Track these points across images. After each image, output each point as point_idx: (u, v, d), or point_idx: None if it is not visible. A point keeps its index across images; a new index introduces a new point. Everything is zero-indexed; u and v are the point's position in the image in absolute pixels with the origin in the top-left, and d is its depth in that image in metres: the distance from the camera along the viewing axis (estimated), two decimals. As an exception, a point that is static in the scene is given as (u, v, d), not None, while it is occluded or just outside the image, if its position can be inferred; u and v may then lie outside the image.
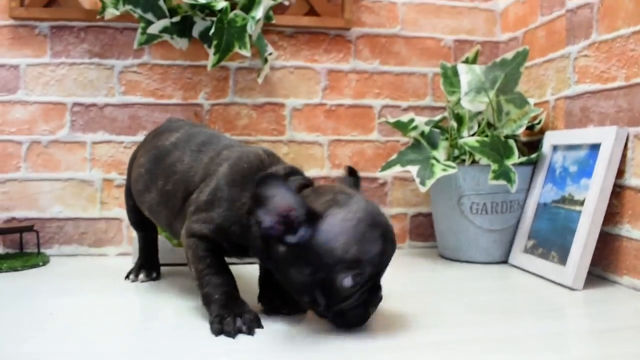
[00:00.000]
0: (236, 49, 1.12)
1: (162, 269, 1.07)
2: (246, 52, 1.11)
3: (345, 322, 0.72)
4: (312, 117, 1.34)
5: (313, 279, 0.68)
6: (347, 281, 0.67)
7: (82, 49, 1.25)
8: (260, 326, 0.73)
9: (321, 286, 0.68)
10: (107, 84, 1.26)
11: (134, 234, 1.14)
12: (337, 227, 0.67)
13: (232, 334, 0.70)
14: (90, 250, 1.26)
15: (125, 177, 1.11)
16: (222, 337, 0.71)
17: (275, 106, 1.33)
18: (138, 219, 1.02)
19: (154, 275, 1.02)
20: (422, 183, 1.10)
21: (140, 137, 1.27)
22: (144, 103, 1.28)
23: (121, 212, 1.27)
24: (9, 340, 0.70)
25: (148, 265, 1.03)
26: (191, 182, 0.81)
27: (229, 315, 0.71)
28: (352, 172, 0.84)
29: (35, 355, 0.65)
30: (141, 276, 1.00)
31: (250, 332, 0.70)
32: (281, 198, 0.67)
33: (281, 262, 0.70)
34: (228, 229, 0.75)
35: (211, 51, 1.12)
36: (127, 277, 1.02)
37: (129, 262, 1.18)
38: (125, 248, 1.27)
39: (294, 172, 0.78)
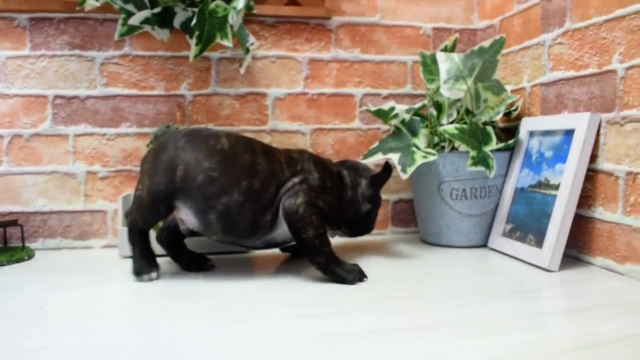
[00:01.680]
0: (218, 40, 1.12)
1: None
2: (228, 43, 1.12)
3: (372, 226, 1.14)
4: (294, 106, 1.36)
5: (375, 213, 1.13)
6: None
7: (62, 41, 1.25)
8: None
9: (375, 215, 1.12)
10: (88, 76, 1.26)
11: (119, 226, 1.15)
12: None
13: (363, 279, 0.96)
14: (75, 243, 1.27)
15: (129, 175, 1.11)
16: (213, 316, 0.73)
17: (258, 96, 1.34)
18: (156, 221, 0.98)
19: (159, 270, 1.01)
20: (403, 170, 1.12)
21: (124, 129, 1.27)
22: (126, 95, 1.28)
23: (105, 205, 1.27)
24: None
25: (153, 262, 1.00)
26: (281, 177, 0.98)
27: (353, 268, 0.97)
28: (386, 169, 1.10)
29: (26, 349, 0.66)
30: (154, 274, 0.98)
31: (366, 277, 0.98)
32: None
33: (366, 214, 1.10)
34: (332, 209, 1.02)
35: (193, 42, 1.13)
36: (138, 276, 0.97)
37: (115, 254, 1.19)
38: (111, 240, 1.28)
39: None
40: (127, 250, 1.14)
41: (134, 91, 1.28)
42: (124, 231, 1.14)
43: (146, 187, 0.95)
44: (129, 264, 1.09)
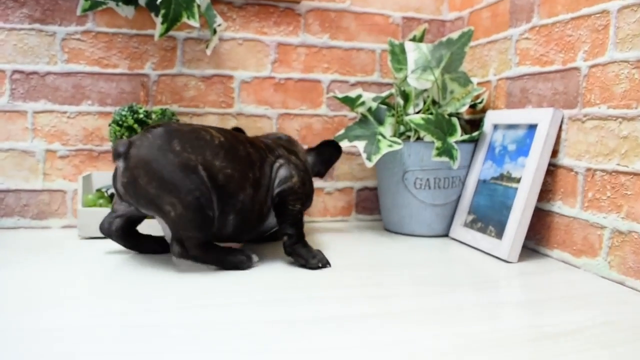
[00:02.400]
0: (184, 19, 1.10)
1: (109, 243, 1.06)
2: (194, 23, 1.09)
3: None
4: (260, 90, 1.34)
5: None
6: None
7: (21, 14, 1.20)
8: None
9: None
10: (48, 51, 1.22)
11: (78, 206, 1.13)
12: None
13: (326, 265, 0.96)
14: (33, 223, 1.23)
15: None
16: (177, 300, 0.72)
17: (224, 78, 1.32)
18: (213, 226, 0.92)
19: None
20: (369, 158, 1.13)
21: (85, 107, 1.24)
22: (88, 72, 1.24)
23: (65, 184, 1.24)
24: (-50, 316, 0.69)
25: (238, 251, 0.95)
26: (270, 161, 0.99)
27: (317, 254, 0.97)
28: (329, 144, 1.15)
29: (-21, 331, 0.65)
30: (254, 257, 0.95)
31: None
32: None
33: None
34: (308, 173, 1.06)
35: (158, 20, 1.10)
36: (245, 267, 0.94)
37: (74, 235, 1.16)
38: (70, 220, 1.25)
39: None
40: (87, 231, 1.11)
41: (96, 68, 1.25)
42: (83, 212, 1.11)
43: (180, 203, 0.86)
44: (88, 245, 1.07)
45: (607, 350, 0.65)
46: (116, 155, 0.89)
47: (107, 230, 0.98)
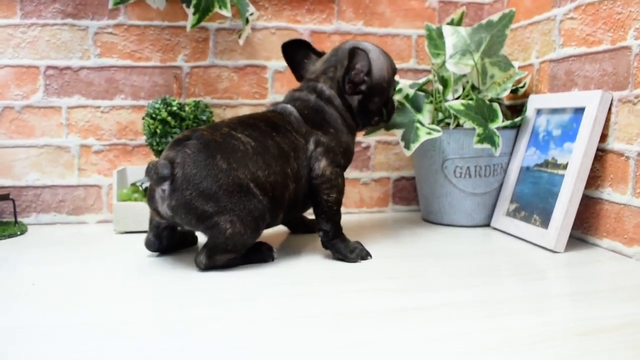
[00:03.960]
0: (216, 9, 1.08)
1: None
2: (227, 12, 1.08)
3: (392, 111, 1.08)
4: (294, 80, 1.31)
5: (380, 103, 1.03)
6: (393, 89, 1.06)
7: (54, 9, 1.20)
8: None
9: (384, 104, 1.05)
10: (81, 45, 1.22)
11: (113, 201, 1.13)
12: (379, 64, 1.00)
13: (366, 257, 0.94)
14: (69, 219, 1.24)
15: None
16: (211, 294, 0.71)
17: (257, 68, 1.30)
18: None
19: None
20: (407, 147, 1.09)
21: (118, 101, 1.24)
22: (121, 66, 1.24)
23: (100, 179, 1.24)
24: (-10, 312, 0.69)
25: (265, 248, 0.94)
26: (300, 146, 0.94)
27: (356, 246, 0.95)
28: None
29: (19, 326, 0.64)
30: (274, 253, 0.94)
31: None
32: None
33: (360, 106, 1.01)
34: (350, 143, 1.01)
35: (190, 11, 1.09)
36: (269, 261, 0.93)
37: (110, 230, 1.16)
38: (106, 215, 1.25)
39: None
40: (123, 225, 1.11)
41: (128, 62, 1.24)
42: (119, 206, 1.11)
43: (240, 222, 0.83)
44: (124, 239, 1.07)
45: (669, 345, 0.60)
46: (161, 179, 0.83)
47: (157, 249, 0.95)
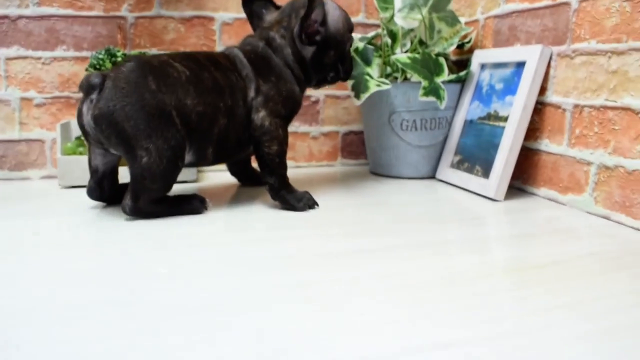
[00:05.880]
0: (161, -43, 1.05)
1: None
2: (172, -39, 1.05)
3: (350, 69, 1.08)
4: (242, 32, 1.30)
5: (335, 57, 1.02)
6: (349, 45, 1.05)
7: (-13, -47, 1.14)
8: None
9: (340, 60, 1.04)
10: (18, -8, 1.16)
11: (58, 155, 1.10)
12: (335, 16, 1.00)
13: (313, 206, 0.96)
14: (11, 175, 1.20)
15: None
16: (160, 242, 0.71)
17: (204, 20, 1.28)
18: (175, 180, 0.90)
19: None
20: (357, 96, 1.11)
21: (60, 52, 1.19)
22: (62, 15, 1.19)
23: (43, 133, 1.21)
24: None
25: (192, 197, 0.93)
26: (239, 86, 0.94)
27: (304, 195, 0.96)
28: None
29: (-38, 275, 0.63)
30: (207, 202, 0.93)
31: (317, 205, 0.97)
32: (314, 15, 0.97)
33: (315, 58, 1.00)
34: (295, 93, 0.99)
35: (134, -42, 1.05)
36: (201, 212, 0.92)
37: (55, 185, 1.14)
38: (50, 170, 1.22)
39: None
40: (68, 180, 1.09)
41: (70, 11, 1.19)
42: (63, 160, 1.08)
43: (156, 150, 0.83)
44: (70, 194, 1.05)
45: (592, 278, 0.65)
46: (90, 87, 0.84)
47: (98, 197, 0.95)
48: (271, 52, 0.99)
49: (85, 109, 0.85)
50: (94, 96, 0.84)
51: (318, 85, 1.06)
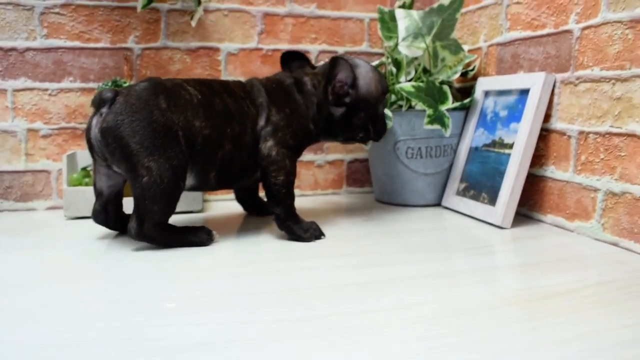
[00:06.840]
0: (167, -10, 1.07)
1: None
2: (178, -6, 1.06)
3: (382, 130, 1.06)
4: (247, 62, 1.31)
5: (365, 119, 1.01)
6: (382, 107, 1.04)
7: (-4, -12, 1.16)
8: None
9: (372, 122, 1.02)
10: (27, 26, 1.18)
11: (63, 186, 1.10)
12: (367, 79, 0.99)
13: (320, 237, 0.96)
14: (17, 205, 1.20)
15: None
16: (170, 275, 0.71)
17: (210, 51, 1.29)
18: (177, 203, 0.89)
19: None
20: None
21: (67, 84, 1.20)
22: (69, 47, 1.21)
23: (49, 164, 1.21)
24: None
25: (199, 229, 0.92)
26: (250, 114, 0.95)
27: (310, 226, 0.95)
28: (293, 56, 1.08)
29: (-32, 310, 0.63)
30: (215, 233, 0.92)
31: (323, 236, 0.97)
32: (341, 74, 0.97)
33: (343, 119, 1.00)
34: (308, 128, 0.99)
35: (140, -8, 1.07)
36: (207, 244, 0.91)
37: (60, 216, 1.14)
38: (56, 202, 1.22)
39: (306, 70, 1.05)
40: (73, 211, 1.09)
41: (77, 43, 1.21)
42: (69, 191, 1.08)
43: (157, 168, 0.83)
44: (75, 225, 1.05)
45: (602, 308, 0.64)
46: (102, 101, 0.85)
47: (103, 220, 0.95)
48: (296, 91, 0.99)
49: (94, 122, 0.87)
50: (104, 110, 0.85)
51: (346, 142, 1.07)
